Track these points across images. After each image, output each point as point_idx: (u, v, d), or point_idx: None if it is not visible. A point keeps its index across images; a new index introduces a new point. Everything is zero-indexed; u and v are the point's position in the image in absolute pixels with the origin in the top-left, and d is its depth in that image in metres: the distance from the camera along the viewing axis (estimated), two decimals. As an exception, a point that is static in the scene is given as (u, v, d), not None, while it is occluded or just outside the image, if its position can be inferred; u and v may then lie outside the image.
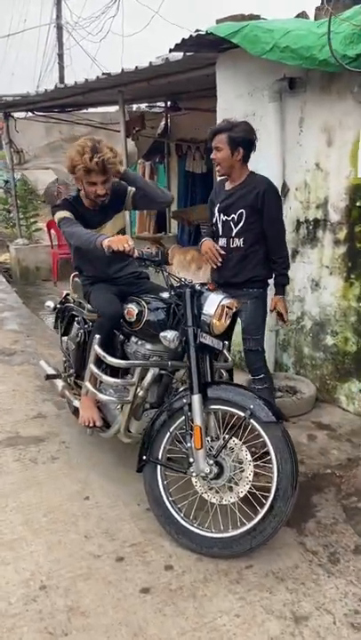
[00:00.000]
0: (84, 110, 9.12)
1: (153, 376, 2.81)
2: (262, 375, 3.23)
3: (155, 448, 2.68)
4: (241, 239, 3.06)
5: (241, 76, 4.07)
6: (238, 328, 3.27)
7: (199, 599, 2.28)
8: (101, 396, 2.93)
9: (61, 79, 15.56)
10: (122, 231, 3.27)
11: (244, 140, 2.95)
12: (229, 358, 3.05)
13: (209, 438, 2.60)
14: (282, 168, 3.85)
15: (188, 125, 8.33)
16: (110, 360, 2.83)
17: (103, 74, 5.40)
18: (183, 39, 3.83)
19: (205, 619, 2.19)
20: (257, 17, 3.82)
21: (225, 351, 2.87)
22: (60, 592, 2.33)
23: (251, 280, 3.11)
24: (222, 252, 3.15)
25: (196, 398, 2.53)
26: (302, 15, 4.28)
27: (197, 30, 3.72)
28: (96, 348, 2.89)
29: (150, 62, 4.72)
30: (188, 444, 2.56)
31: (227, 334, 2.79)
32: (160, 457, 2.66)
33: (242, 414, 2.51)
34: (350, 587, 2.35)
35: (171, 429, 2.67)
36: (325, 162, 3.62)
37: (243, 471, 2.54)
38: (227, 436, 2.57)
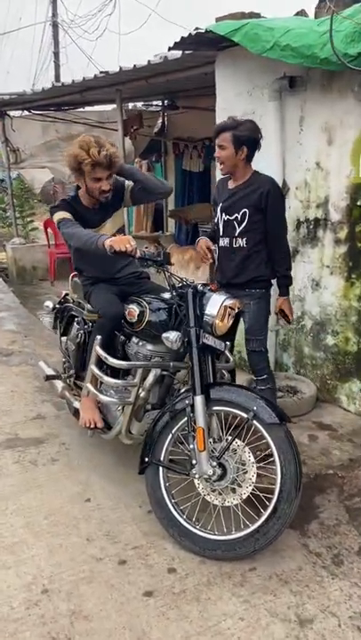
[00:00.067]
0: (81, 109, 9.08)
1: (155, 377, 2.79)
2: (265, 376, 3.21)
3: (157, 450, 2.66)
4: (244, 239, 3.03)
5: (240, 75, 4.05)
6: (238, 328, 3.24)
7: (203, 602, 2.27)
8: (103, 398, 2.91)
9: (57, 78, 15.50)
10: (121, 229, 3.25)
11: (248, 138, 2.92)
12: (231, 359, 3.03)
13: (211, 440, 2.58)
14: (282, 167, 3.82)
15: (185, 124, 8.30)
16: (112, 361, 2.81)
17: (101, 72, 5.37)
18: (182, 37, 3.81)
19: (209, 622, 2.17)
20: (257, 15, 3.79)
21: (227, 352, 2.85)
22: (62, 596, 2.30)
23: (253, 280, 3.08)
24: (213, 249, 3.13)
25: (199, 399, 2.51)
26: (301, 13, 4.27)
27: (197, 28, 3.69)
28: (97, 349, 2.87)
29: (149, 60, 4.69)
30: (191, 446, 2.54)
31: (229, 335, 2.76)
32: (162, 459, 2.64)
33: (245, 415, 2.49)
34: (355, 589, 2.34)
35: (173, 431, 2.65)
36: (326, 161, 3.60)
37: (246, 473, 2.52)
38: (230, 438, 2.55)
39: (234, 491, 2.54)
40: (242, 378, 3.63)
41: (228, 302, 2.63)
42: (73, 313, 3.54)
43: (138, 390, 2.78)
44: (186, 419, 2.60)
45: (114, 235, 2.97)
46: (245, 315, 3.12)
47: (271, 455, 2.45)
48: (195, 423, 2.52)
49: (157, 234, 8.86)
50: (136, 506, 2.86)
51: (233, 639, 2.10)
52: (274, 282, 3.19)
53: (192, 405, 2.54)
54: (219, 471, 2.52)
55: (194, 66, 4.64)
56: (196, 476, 2.53)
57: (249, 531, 2.43)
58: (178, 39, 3.90)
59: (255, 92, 3.96)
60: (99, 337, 2.89)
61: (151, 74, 5.16)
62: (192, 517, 2.58)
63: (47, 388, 4.07)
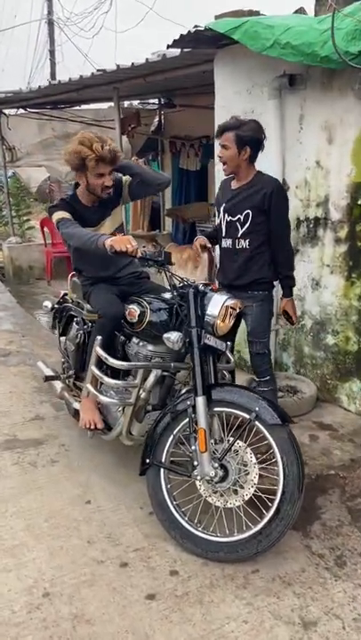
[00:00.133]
0: (77, 107, 9.04)
1: (155, 378, 2.77)
2: (268, 377, 3.19)
3: (158, 451, 2.64)
4: (247, 240, 3.00)
5: (240, 73, 4.02)
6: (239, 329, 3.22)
7: (206, 605, 2.25)
8: (103, 399, 2.89)
9: (53, 76, 15.41)
10: (121, 226, 3.22)
11: (251, 139, 2.88)
12: (232, 359, 3.01)
13: (213, 441, 2.56)
14: (282, 166, 3.80)
15: (182, 122, 8.28)
16: (112, 362, 2.79)
17: (98, 70, 5.33)
18: (182, 35, 3.78)
19: (213, 625, 2.16)
20: (256, 13, 3.77)
21: (227, 352, 2.83)
22: (64, 599, 2.28)
23: (256, 282, 3.05)
24: (209, 247, 3.12)
25: (201, 400, 2.49)
26: (300, 11, 4.25)
27: (196, 26, 3.67)
28: (98, 350, 2.84)
29: (147, 59, 4.66)
30: (193, 447, 2.52)
31: (230, 335, 2.74)
32: (164, 460, 2.62)
33: (247, 416, 2.47)
34: (358, 590, 2.33)
35: (174, 432, 2.64)
36: (326, 160, 3.58)
37: (248, 474, 2.50)
38: (231, 439, 2.53)
39: (236, 492, 2.52)
40: (241, 378, 3.61)
41: (230, 302, 2.61)
42: (72, 313, 3.51)
43: (139, 391, 2.76)
44: (187, 420, 2.58)
45: (113, 233, 2.95)
46: (248, 317, 3.10)
47: (273, 455, 2.43)
48: (196, 424, 2.50)
49: (154, 233, 8.83)
50: (137, 507, 2.84)
51: (237, 642, 2.09)
52: (276, 283, 3.16)
53: (193, 406, 2.52)
54: (221, 472, 2.50)
55: (192, 64, 4.61)
56: (198, 477, 2.51)
57: (251, 532, 2.41)
58: (175, 37, 3.88)
59: (255, 91, 3.94)
60: (99, 337, 2.86)
61: (149, 72, 5.13)
62: (194, 519, 2.57)
63: (46, 389, 4.04)
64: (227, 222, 3.06)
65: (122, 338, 2.98)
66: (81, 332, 3.30)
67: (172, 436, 2.63)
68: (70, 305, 3.54)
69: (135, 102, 9.22)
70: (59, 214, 2.93)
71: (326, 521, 2.75)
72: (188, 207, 8.13)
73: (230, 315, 2.62)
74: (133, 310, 2.79)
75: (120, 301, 2.93)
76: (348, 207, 3.51)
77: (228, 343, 2.74)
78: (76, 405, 3.20)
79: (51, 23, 15.83)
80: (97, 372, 2.87)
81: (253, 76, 3.92)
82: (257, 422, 2.45)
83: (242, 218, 2.98)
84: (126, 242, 2.56)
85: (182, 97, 7.69)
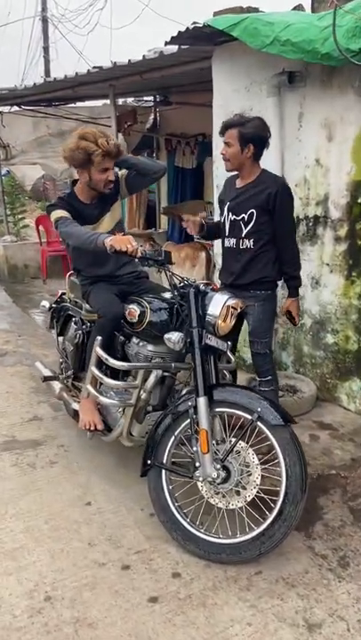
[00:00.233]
0: (72, 104, 8.98)
1: (156, 378, 2.75)
2: (269, 377, 3.16)
3: (159, 452, 2.61)
4: (251, 240, 2.96)
5: (238, 70, 4.00)
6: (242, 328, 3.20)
7: (209, 608, 2.23)
8: (103, 400, 2.86)
9: (47, 73, 15.30)
10: (120, 222, 3.20)
11: (254, 136, 2.85)
12: (232, 359, 2.99)
13: (215, 441, 2.54)
14: (281, 164, 3.78)
15: (178, 120, 8.23)
16: (113, 362, 2.76)
17: (94, 67, 5.29)
18: (180, 32, 3.75)
19: (217, 628, 2.14)
20: (255, 9, 3.74)
21: (228, 352, 2.81)
22: (65, 603, 2.26)
23: (258, 282, 3.01)
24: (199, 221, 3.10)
25: (202, 401, 2.47)
26: (299, 8, 4.23)
27: (195, 23, 3.64)
28: (98, 350, 2.81)
29: (144, 55, 4.62)
30: (194, 448, 2.50)
31: (231, 334, 2.72)
32: (165, 461, 2.60)
33: (249, 417, 2.45)
34: (362, 591, 2.32)
35: (175, 433, 2.61)
36: (326, 158, 3.56)
37: (250, 475, 2.48)
38: (233, 440, 2.51)
39: (238, 493, 2.50)
40: (240, 377, 3.58)
41: (231, 302, 2.59)
42: (70, 313, 3.48)
43: (139, 392, 2.74)
44: (188, 420, 2.56)
45: (114, 232, 2.92)
46: (249, 317, 3.07)
47: (275, 456, 2.41)
48: (198, 425, 2.48)
49: (150, 231, 8.79)
50: (138, 509, 2.81)
51: (241, 645, 2.07)
52: (279, 283, 3.13)
53: (195, 407, 2.50)
54: (223, 473, 2.48)
55: (190, 61, 4.58)
56: (200, 478, 2.49)
57: (254, 534, 2.40)
58: (170, 34, 3.84)
59: (253, 88, 3.92)
60: (99, 338, 2.83)
61: (146, 69, 5.09)
62: (196, 521, 2.54)
63: (43, 389, 4.01)
64: (230, 221, 3.02)
65: (121, 338, 2.95)
66: (80, 331, 3.27)
67: (173, 437, 2.61)
68: (68, 305, 3.51)
69: (130, 100, 9.17)
70: (57, 213, 2.89)
71: (329, 521, 2.73)
72: (184, 205, 8.08)
73: (231, 314, 2.60)
74: (133, 310, 2.76)
75: (120, 301, 2.91)
76: (347, 205, 3.49)
77: (229, 343, 2.72)
78: (76, 406, 3.17)
79: (45, 20, 15.73)
80: (97, 372, 2.84)
81: (252, 74, 3.89)
82: (259, 423, 2.43)
83: (246, 217, 2.94)
84: (126, 242, 2.53)
85: (178, 94, 7.66)
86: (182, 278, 2.75)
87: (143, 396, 2.75)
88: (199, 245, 6.03)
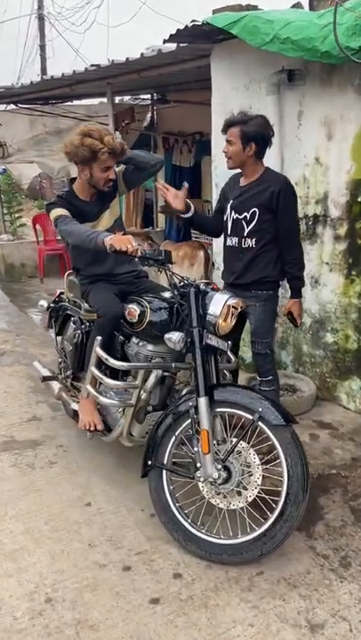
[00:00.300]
0: (69, 103, 8.96)
1: (156, 378, 2.73)
2: (270, 377, 3.14)
3: (160, 452, 2.60)
4: (253, 239, 2.94)
5: (237, 68, 3.98)
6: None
7: (211, 609, 2.22)
8: (104, 400, 2.84)
9: (43, 71, 15.26)
10: (119, 219, 3.18)
11: (256, 135, 2.82)
12: (233, 359, 2.97)
13: (215, 442, 2.53)
14: (280, 162, 3.77)
15: (175, 118, 8.21)
16: (113, 362, 2.74)
17: (92, 65, 5.27)
18: (178, 29, 3.73)
19: (219, 629, 2.13)
20: (254, 7, 3.72)
21: (228, 351, 2.79)
22: (66, 605, 2.24)
23: (260, 281, 2.98)
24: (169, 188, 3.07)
25: (203, 401, 2.46)
26: (298, 6, 4.22)
27: (193, 21, 3.62)
28: (98, 351, 2.79)
29: (142, 53, 4.60)
30: (195, 449, 2.49)
31: (234, 334, 2.71)
32: (166, 462, 2.59)
33: (250, 417, 2.44)
34: (364, 592, 2.31)
35: (176, 433, 2.60)
36: (325, 156, 3.55)
37: (251, 475, 2.47)
38: (234, 440, 2.50)
39: (239, 493, 2.49)
40: (240, 377, 3.57)
41: (232, 301, 2.58)
42: (69, 312, 3.46)
43: (140, 392, 2.72)
44: (189, 421, 2.54)
45: (114, 231, 2.91)
46: (251, 317, 3.05)
47: (276, 456, 2.40)
48: (199, 425, 2.47)
49: (148, 230, 8.77)
50: (138, 509, 2.80)
51: (243, 646, 2.06)
52: (282, 283, 3.11)
53: (196, 407, 2.49)
54: (224, 474, 2.47)
55: (188, 59, 4.56)
56: (201, 479, 2.48)
57: (256, 534, 2.39)
58: (168, 32, 3.82)
59: (252, 86, 3.90)
60: (99, 338, 2.82)
61: (144, 67, 5.08)
62: (197, 521, 2.53)
63: (42, 389, 3.99)
64: (233, 220, 3.00)
65: (121, 338, 2.93)
66: (78, 331, 3.25)
67: (173, 438, 2.60)
68: (67, 304, 3.49)
69: (126, 98, 9.15)
70: (57, 211, 2.87)
71: (330, 521, 2.73)
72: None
73: (232, 314, 2.59)
74: (133, 310, 2.74)
75: (120, 301, 2.89)
76: (347, 204, 3.48)
77: (229, 342, 2.71)
78: (75, 406, 3.15)
79: (41, 18, 15.67)
80: (97, 372, 2.82)
81: (251, 72, 3.87)
82: (260, 423, 2.42)
83: (248, 216, 2.92)
84: (127, 242, 2.52)
85: (176, 92, 7.64)
86: (182, 278, 2.74)
87: (143, 396, 2.74)
88: (197, 244, 6.01)
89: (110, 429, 2.95)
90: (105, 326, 2.86)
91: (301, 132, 3.66)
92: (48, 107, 8.76)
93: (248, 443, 2.48)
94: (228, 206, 3.03)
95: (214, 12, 3.71)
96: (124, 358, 2.91)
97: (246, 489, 2.48)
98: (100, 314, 2.90)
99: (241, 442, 2.48)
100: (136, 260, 2.76)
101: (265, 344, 3.08)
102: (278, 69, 3.58)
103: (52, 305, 3.66)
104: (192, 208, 3.10)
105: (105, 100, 6.71)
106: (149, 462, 2.60)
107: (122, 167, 3.06)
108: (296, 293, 3.08)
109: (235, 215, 2.98)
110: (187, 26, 3.67)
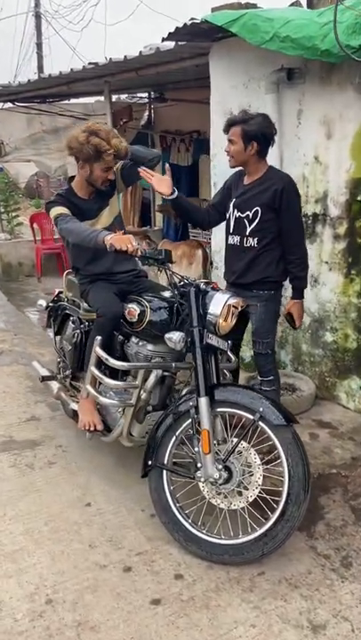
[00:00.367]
0: (66, 101, 8.93)
1: (156, 378, 2.72)
2: (271, 377, 3.13)
3: (160, 453, 2.59)
4: (255, 238, 2.91)
5: (236, 67, 3.97)
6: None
7: (213, 609, 2.21)
8: (104, 400, 2.83)
9: (40, 69, 15.19)
10: (119, 216, 3.17)
11: (257, 134, 2.81)
12: (233, 358, 2.96)
13: (216, 442, 2.52)
14: (279, 161, 3.75)
15: (172, 117, 8.20)
16: (113, 362, 2.73)
17: (90, 63, 5.25)
18: (177, 28, 3.71)
19: (220, 630, 2.12)
20: (253, 5, 3.71)
21: (229, 351, 2.78)
22: (67, 606, 2.23)
23: (261, 281, 2.96)
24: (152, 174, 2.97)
25: (204, 401, 2.45)
26: (296, 4, 4.21)
27: (192, 19, 3.60)
28: (98, 351, 2.78)
29: (140, 51, 4.59)
30: (196, 449, 2.48)
31: (235, 333, 2.70)
32: (166, 462, 2.58)
33: (251, 417, 2.43)
34: (366, 592, 2.31)
35: (177, 433, 2.59)
36: (325, 155, 3.54)
37: (252, 475, 2.47)
38: (235, 440, 2.49)
39: (240, 494, 2.49)
40: (240, 377, 3.56)
41: (232, 301, 2.56)
42: (67, 312, 3.45)
43: (139, 392, 2.71)
44: (190, 420, 2.53)
45: (114, 230, 2.89)
46: (252, 316, 3.04)
47: (277, 456, 2.40)
48: (199, 425, 2.46)
49: (145, 229, 8.76)
50: (138, 510, 2.79)
51: (245, 647, 2.05)
52: (285, 283, 3.09)
53: (196, 407, 2.48)
54: (224, 474, 2.46)
55: (186, 57, 4.55)
56: (202, 479, 2.47)
57: (257, 534, 2.38)
58: (165, 31, 3.81)
59: (251, 85, 3.89)
60: (99, 338, 2.80)
61: (142, 65, 5.06)
62: (197, 521, 2.52)
63: (40, 389, 3.98)
64: (235, 218, 2.97)
65: (120, 337, 2.92)
66: (78, 331, 3.24)
67: (174, 438, 2.59)
68: (66, 303, 3.47)
69: (123, 96, 9.12)
70: (57, 210, 2.86)
71: (330, 521, 2.72)
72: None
73: (232, 313, 2.58)
74: (133, 309, 2.73)
75: (119, 300, 2.88)
76: (346, 203, 3.47)
77: (230, 342, 2.69)
78: (74, 406, 3.13)
79: (38, 16, 15.60)
80: (97, 372, 2.81)
81: (250, 70, 3.86)
82: (261, 423, 2.41)
83: (250, 215, 2.89)
84: (127, 241, 2.51)
85: (173, 91, 7.62)
86: (182, 277, 2.73)
87: (143, 395, 2.73)
88: (195, 243, 6.00)
89: (110, 429, 2.94)
90: (105, 326, 2.84)
91: (301, 130, 3.65)
92: (45, 105, 8.72)
93: (249, 443, 2.47)
94: (231, 204, 3.00)
95: (213, 10, 3.70)
96: (124, 358, 2.90)
97: (247, 489, 2.47)
98: (99, 313, 2.88)
99: (242, 442, 2.47)
100: (136, 259, 2.74)
101: (266, 344, 3.07)
102: (278, 68, 3.57)
103: (50, 304, 3.65)
104: (176, 192, 3.03)
105: (102, 98, 6.68)
106: (150, 462, 2.59)
107: (118, 165, 3.04)
108: (297, 294, 3.04)
109: (237, 213, 2.96)
110: (185, 24, 3.66)
